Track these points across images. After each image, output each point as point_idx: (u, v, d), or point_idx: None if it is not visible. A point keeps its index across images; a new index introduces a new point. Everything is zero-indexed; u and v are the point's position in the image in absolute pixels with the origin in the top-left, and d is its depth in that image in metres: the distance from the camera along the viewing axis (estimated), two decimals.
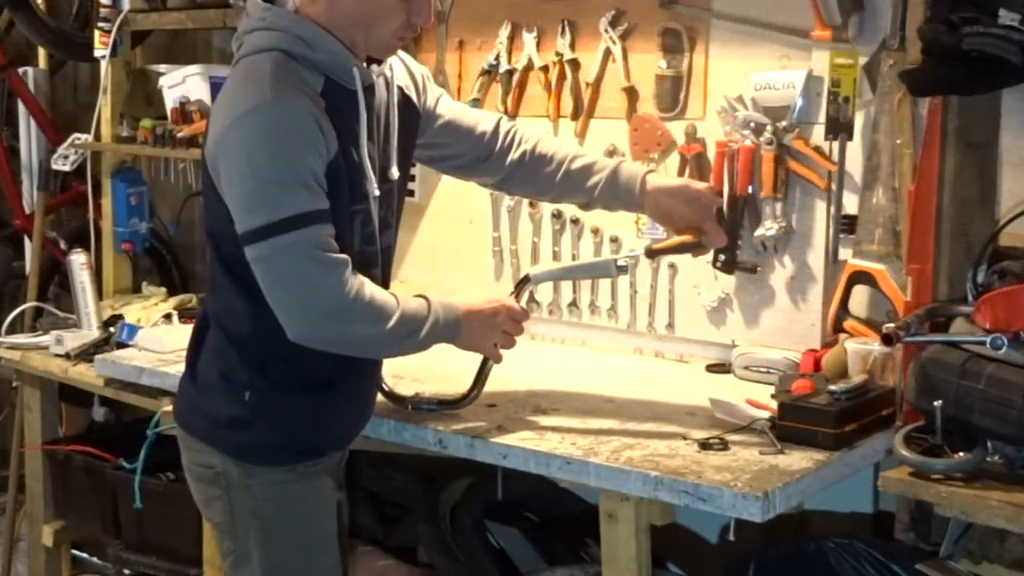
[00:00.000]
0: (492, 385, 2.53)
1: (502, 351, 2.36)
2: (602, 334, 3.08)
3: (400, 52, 2.34)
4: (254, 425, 2.18)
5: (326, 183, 2.06)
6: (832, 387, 2.32)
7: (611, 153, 3.01)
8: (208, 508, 2.28)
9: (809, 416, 2.27)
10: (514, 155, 2.50)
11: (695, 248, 2.49)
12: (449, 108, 2.49)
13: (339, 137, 2.09)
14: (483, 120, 2.52)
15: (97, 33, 3.75)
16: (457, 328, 2.23)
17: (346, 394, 2.27)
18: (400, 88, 2.32)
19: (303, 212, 2.01)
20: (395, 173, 2.28)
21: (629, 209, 2.56)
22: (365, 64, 2.19)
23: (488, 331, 2.31)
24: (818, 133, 2.70)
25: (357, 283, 2.07)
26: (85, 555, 3.86)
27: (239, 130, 2.02)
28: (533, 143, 2.52)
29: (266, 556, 2.21)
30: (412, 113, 2.36)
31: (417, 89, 2.39)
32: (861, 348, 2.46)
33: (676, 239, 2.49)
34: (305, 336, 2.07)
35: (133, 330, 3.15)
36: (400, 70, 2.35)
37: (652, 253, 2.59)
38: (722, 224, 2.57)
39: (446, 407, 2.49)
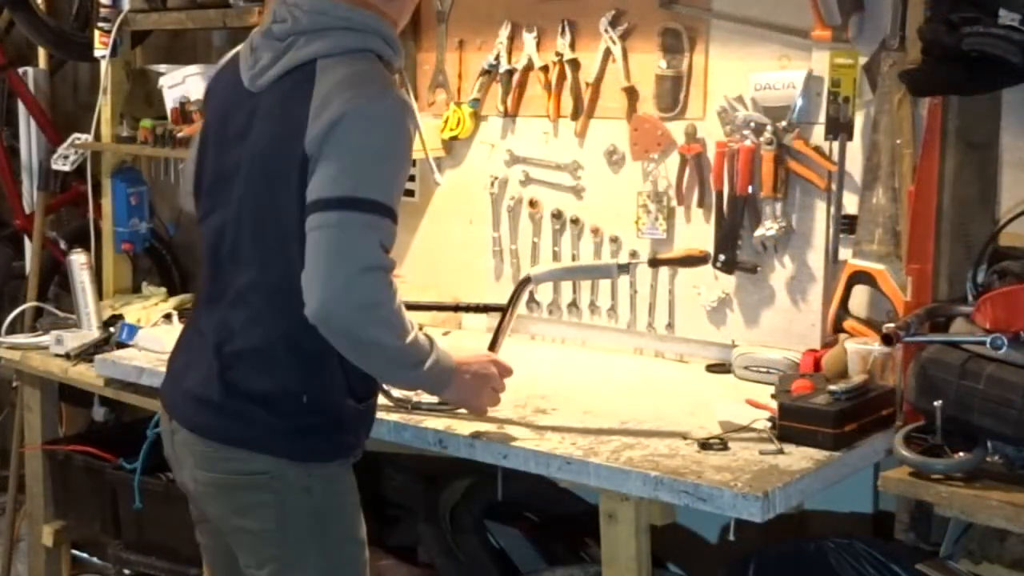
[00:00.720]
0: None
1: (489, 408, 2.38)
2: (602, 334, 3.09)
3: None
4: (315, 427, 2.15)
5: None
6: (832, 387, 2.32)
7: (611, 153, 3.01)
8: (246, 517, 2.19)
9: (809, 416, 2.27)
10: None
11: (699, 262, 2.51)
12: None
13: None
14: None
15: (97, 33, 3.74)
16: (449, 378, 2.20)
17: (373, 404, 2.29)
18: None
19: (386, 203, 2.01)
20: None
21: None
22: None
23: (480, 385, 2.30)
24: (818, 133, 2.70)
25: (395, 289, 2.05)
26: (85, 555, 3.86)
27: (365, 114, 2.00)
28: None
29: (325, 555, 2.17)
30: None
31: None
32: (861, 348, 2.46)
33: (681, 252, 2.51)
34: (325, 315, 1.99)
35: (133, 330, 3.15)
36: None
37: (655, 263, 2.59)
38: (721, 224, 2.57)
39: (446, 407, 2.49)
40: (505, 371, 2.36)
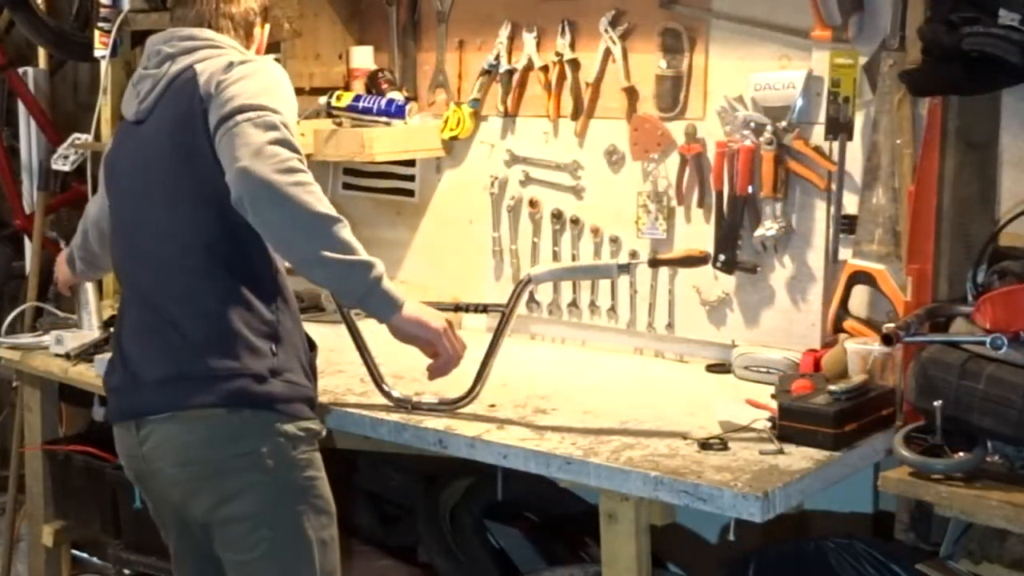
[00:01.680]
0: (492, 385, 2.53)
1: (438, 373, 2.35)
2: (602, 334, 3.08)
3: None
4: (285, 372, 2.26)
5: None
6: (832, 387, 2.32)
7: (611, 153, 3.01)
8: (232, 504, 2.24)
9: (809, 416, 2.27)
10: None
11: (699, 262, 2.51)
12: None
13: None
14: None
15: (97, 33, 3.74)
16: (394, 299, 2.21)
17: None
18: None
19: (281, 111, 2.18)
20: None
21: None
22: None
23: (431, 323, 2.27)
24: (818, 133, 2.70)
25: (312, 177, 2.15)
26: (85, 555, 3.86)
27: (250, 65, 2.25)
28: None
29: (311, 528, 2.27)
30: None
31: None
32: (861, 348, 2.46)
33: (681, 252, 2.51)
34: (243, 180, 2.10)
35: None
36: None
37: (655, 263, 2.59)
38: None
39: (446, 407, 2.49)
40: (459, 340, 2.34)
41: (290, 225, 2.13)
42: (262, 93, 2.19)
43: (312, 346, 2.39)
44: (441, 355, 2.31)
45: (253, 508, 2.24)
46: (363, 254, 2.17)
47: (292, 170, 2.11)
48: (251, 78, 2.22)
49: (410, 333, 2.26)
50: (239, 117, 2.14)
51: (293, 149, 2.15)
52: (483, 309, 2.72)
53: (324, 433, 2.35)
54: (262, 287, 2.27)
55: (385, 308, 2.22)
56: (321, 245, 2.13)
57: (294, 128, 2.22)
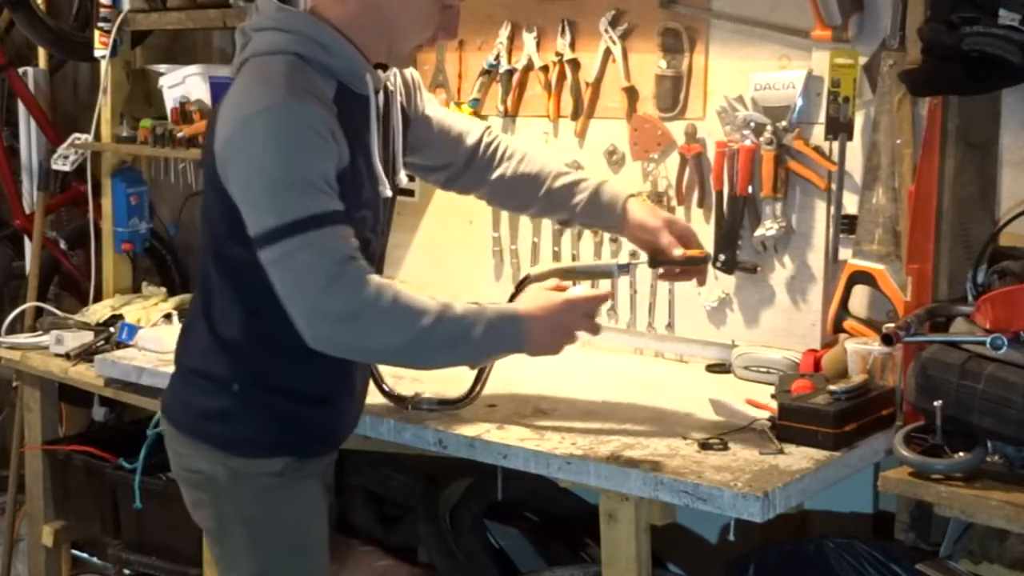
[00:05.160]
0: (492, 385, 2.53)
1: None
2: (602, 334, 3.07)
3: None
4: (242, 416, 2.15)
5: (338, 187, 2.01)
6: (832, 387, 2.32)
7: (611, 153, 3.01)
8: (196, 513, 2.24)
9: (809, 416, 2.27)
10: (497, 170, 2.47)
11: (699, 262, 2.50)
12: (438, 114, 2.45)
13: (349, 144, 2.04)
14: (470, 131, 2.48)
15: (97, 33, 3.75)
16: (519, 329, 2.10)
17: (336, 409, 2.24)
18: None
19: (316, 214, 1.94)
20: (403, 180, 2.31)
21: (608, 231, 2.56)
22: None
23: (558, 332, 2.18)
24: (818, 133, 2.70)
25: (377, 287, 1.97)
26: (85, 555, 3.86)
27: (250, 132, 1.96)
28: (518, 158, 2.47)
29: (254, 561, 2.18)
30: (405, 121, 2.33)
31: (409, 96, 2.36)
32: (861, 348, 2.46)
33: (681, 252, 2.50)
34: (320, 342, 1.98)
35: (133, 330, 3.15)
36: (395, 76, 2.30)
37: (656, 263, 2.59)
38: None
39: (446, 407, 2.49)
40: (589, 304, 2.24)
41: (401, 363, 2.15)
42: (281, 187, 1.94)
43: (318, 397, 2.23)
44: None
45: (207, 524, 2.24)
46: (471, 323, 2.02)
47: (355, 315, 1.94)
48: (262, 157, 1.95)
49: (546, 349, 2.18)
50: (275, 252, 1.93)
51: (343, 275, 1.94)
52: None
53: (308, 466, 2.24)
54: (261, 332, 2.18)
55: (505, 352, 2.13)
56: (441, 354, 2.04)
57: (326, 187, 1.97)
